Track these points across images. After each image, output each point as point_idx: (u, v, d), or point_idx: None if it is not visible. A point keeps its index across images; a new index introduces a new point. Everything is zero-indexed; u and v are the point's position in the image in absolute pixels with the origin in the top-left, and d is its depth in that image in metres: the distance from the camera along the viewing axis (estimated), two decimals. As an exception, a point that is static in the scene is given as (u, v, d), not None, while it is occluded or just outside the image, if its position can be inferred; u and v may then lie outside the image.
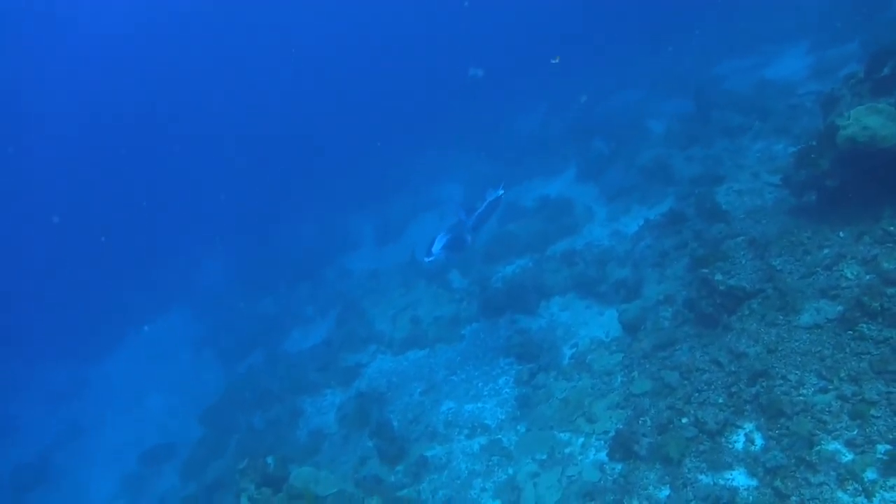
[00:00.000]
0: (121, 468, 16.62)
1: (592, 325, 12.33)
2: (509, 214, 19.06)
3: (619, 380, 9.89)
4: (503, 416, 11.02)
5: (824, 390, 6.61)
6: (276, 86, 44.83)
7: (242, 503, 8.85)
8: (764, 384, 7.17)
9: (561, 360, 11.68)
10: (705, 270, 9.21)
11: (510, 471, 9.60)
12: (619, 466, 8.21)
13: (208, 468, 13.86)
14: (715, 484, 6.79)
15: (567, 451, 9.24)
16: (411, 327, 14.95)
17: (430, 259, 11.32)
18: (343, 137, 36.13)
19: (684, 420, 7.68)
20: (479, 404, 11.65)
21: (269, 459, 9.59)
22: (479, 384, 12.28)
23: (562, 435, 9.64)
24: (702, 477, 6.97)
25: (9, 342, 28.71)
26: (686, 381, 8.25)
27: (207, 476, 13.56)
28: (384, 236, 22.97)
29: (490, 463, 10.02)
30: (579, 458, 8.94)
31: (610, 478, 8.13)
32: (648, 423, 8.27)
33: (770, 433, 6.75)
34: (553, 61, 18.88)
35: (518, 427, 10.52)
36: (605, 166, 18.37)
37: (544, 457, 9.41)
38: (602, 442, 8.92)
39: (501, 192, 12.60)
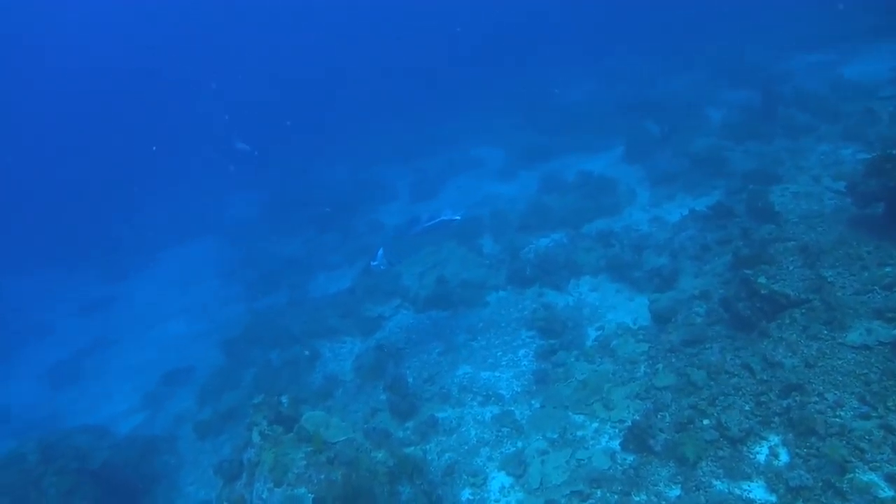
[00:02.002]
0: (142, 384, 16.98)
1: (621, 309, 12.09)
2: (549, 186, 18.73)
3: (643, 370, 9.69)
4: (518, 389, 10.92)
5: (866, 416, 6.34)
6: (319, 35, 44.53)
7: (254, 437, 8.91)
8: (797, 399, 6.94)
9: (584, 341, 11.49)
10: (748, 271, 8.91)
11: (519, 444, 9.52)
12: (630, 458, 8.07)
13: (224, 397, 14.03)
14: (730, 492, 6.63)
15: (579, 433, 9.12)
16: (436, 286, 14.81)
17: (375, 264, 12.33)
18: (389, 90, 35.78)
19: (706, 422, 7.50)
20: (496, 373, 11.55)
21: (284, 399, 9.64)
22: (498, 353, 12.17)
23: (576, 417, 9.51)
24: (717, 483, 6.80)
25: (45, 253, 29.53)
26: (713, 382, 8.04)
27: (222, 404, 13.74)
28: (419, 192, 22.72)
29: (500, 434, 9.95)
30: (591, 442, 8.82)
31: (620, 468, 8.01)
32: (667, 418, 8.10)
33: (797, 451, 6.55)
34: None
35: (532, 402, 10.42)
36: (654, 149, 17.86)
37: (555, 436, 9.30)
38: (616, 430, 8.78)
39: (458, 217, 13.16)
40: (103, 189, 34.70)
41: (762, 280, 8.55)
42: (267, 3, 46.51)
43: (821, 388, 6.84)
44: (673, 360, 9.27)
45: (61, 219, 32.51)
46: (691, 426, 7.60)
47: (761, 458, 6.80)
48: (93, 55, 44.95)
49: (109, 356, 19.95)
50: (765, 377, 7.51)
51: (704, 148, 15.49)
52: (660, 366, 9.38)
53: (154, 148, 31.29)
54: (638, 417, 8.55)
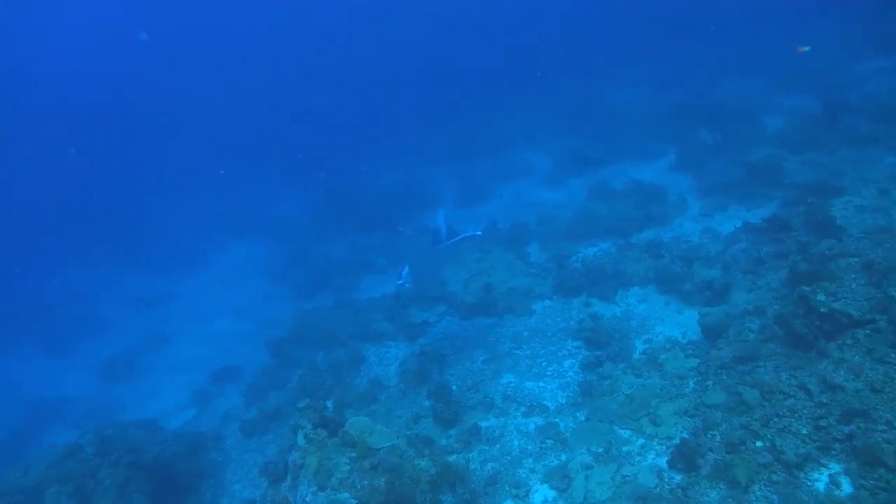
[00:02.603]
0: (192, 381, 17.37)
1: (669, 322, 11.86)
2: (597, 193, 18.50)
3: (692, 386, 9.46)
4: (563, 401, 10.78)
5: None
6: (371, 38, 44.94)
7: (299, 440, 9.00)
8: (861, 425, 6.64)
9: (631, 354, 11.30)
10: (806, 288, 8.61)
11: (563, 457, 9.39)
12: (678, 477, 7.87)
13: (269, 397, 14.23)
14: (785, 520, 6.40)
15: (625, 449, 8.94)
16: (482, 294, 14.76)
17: (400, 283, 12.70)
18: (435, 94, 35.91)
19: (759, 444, 7.26)
20: (541, 383, 11.44)
21: (329, 403, 9.70)
22: (543, 363, 12.05)
23: (622, 432, 9.34)
24: (771, 509, 6.58)
25: (103, 248, 30.56)
26: (766, 403, 7.79)
27: (268, 404, 13.93)
28: (465, 197, 22.71)
29: (543, 445, 9.84)
30: (637, 459, 8.64)
31: (667, 486, 7.82)
32: (717, 438, 7.88)
33: (862, 482, 6.26)
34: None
35: (577, 414, 10.27)
36: (706, 157, 17.51)
37: (600, 450, 9.14)
38: (664, 447, 8.58)
39: (480, 232, 13.05)
40: (159, 187, 35.66)
41: (821, 297, 8.25)
42: (317, 6, 47.16)
43: (889, 415, 6.51)
44: (724, 377, 9.01)
45: (119, 216, 33.55)
46: (743, 447, 7.37)
47: (820, 486, 6.54)
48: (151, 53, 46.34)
49: (161, 353, 20.48)
50: (824, 400, 7.23)
51: (760, 157, 15.09)
52: (710, 382, 9.13)
53: (222, 172, 31.95)
54: (686, 435, 8.35)
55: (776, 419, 7.42)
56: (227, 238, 28.12)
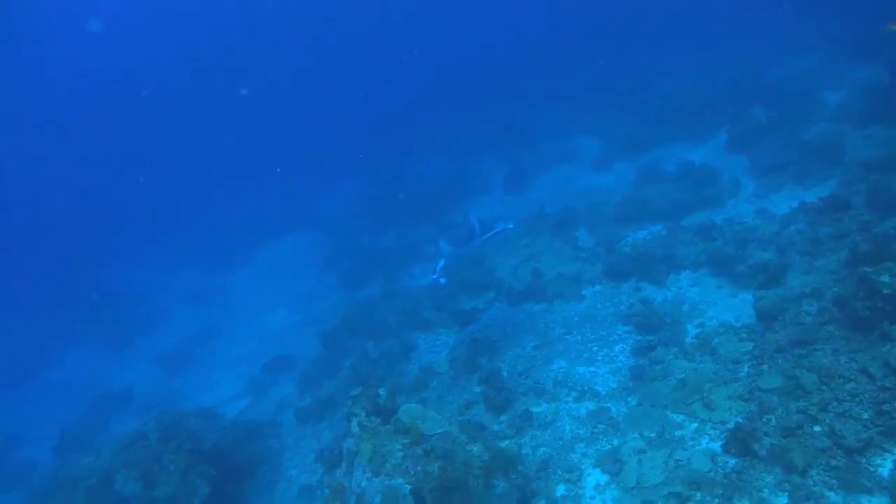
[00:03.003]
0: (246, 371, 17.92)
1: (722, 306, 11.66)
2: (647, 176, 18.22)
3: (746, 370, 9.29)
4: (615, 385, 10.74)
5: None
6: (419, 24, 44.87)
7: (353, 427, 9.22)
8: (927, 410, 6.45)
9: (684, 338, 11.16)
10: (868, 269, 8.36)
11: (615, 442, 9.38)
12: (732, 461, 7.78)
13: (323, 385, 14.60)
14: (846, 505, 6.28)
15: (678, 433, 8.87)
16: (531, 280, 14.76)
17: (434, 277, 12.50)
18: (483, 81, 35.76)
19: (817, 428, 7.12)
20: (592, 368, 11.41)
21: (381, 391, 9.89)
22: (594, 348, 12.01)
23: (675, 416, 9.26)
24: (830, 494, 6.45)
25: (158, 245, 31.65)
26: (825, 387, 7.61)
27: (322, 392, 14.29)
28: (513, 184, 22.64)
29: (595, 430, 9.83)
30: (690, 443, 8.55)
31: (721, 471, 7.72)
32: (773, 422, 7.75)
33: (929, 468, 6.10)
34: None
35: (629, 399, 10.23)
36: (761, 137, 17.01)
37: (653, 435, 9.09)
38: (717, 432, 8.47)
39: (511, 225, 13.18)
40: (211, 182, 36.58)
41: (885, 279, 7.99)
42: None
43: (955, 399, 6.34)
44: (780, 360, 8.84)
45: (174, 214, 34.63)
46: (800, 432, 7.23)
47: (884, 472, 6.37)
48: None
49: (215, 344, 21.17)
50: (887, 384, 7.02)
51: (818, 134, 14.62)
52: (765, 366, 8.97)
53: (278, 170, 32.61)
54: (741, 420, 8.23)
55: (835, 403, 7.25)
56: (277, 231, 28.75)
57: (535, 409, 10.79)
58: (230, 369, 18.89)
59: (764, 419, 7.85)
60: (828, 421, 7.08)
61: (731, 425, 8.19)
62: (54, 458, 17.73)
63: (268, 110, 43.27)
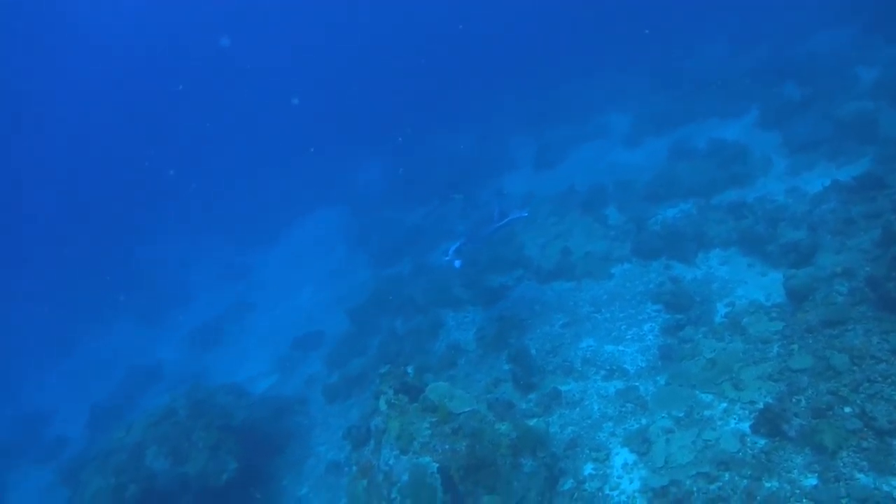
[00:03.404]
0: (275, 348, 18.24)
1: (752, 285, 11.55)
2: (678, 153, 17.98)
3: (776, 350, 9.24)
4: (643, 364, 10.76)
5: None
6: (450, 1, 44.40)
7: (381, 405, 9.38)
8: (959, 391, 6.38)
9: (713, 317, 11.11)
10: (902, 249, 8.22)
11: (643, 421, 9.41)
12: (761, 442, 7.77)
13: (351, 363, 14.81)
14: (876, 487, 6.24)
15: (707, 413, 8.87)
16: (560, 258, 14.76)
17: (447, 259, 12.52)
18: (514, 58, 35.42)
19: (847, 409, 7.08)
20: (621, 347, 11.43)
21: (409, 369, 10.04)
22: (623, 326, 12.01)
23: (704, 396, 9.25)
24: (860, 476, 6.43)
25: (191, 222, 32.17)
26: (856, 368, 7.55)
27: (350, 369, 14.50)
28: (543, 161, 22.51)
29: (623, 409, 9.88)
30: (719, 423, 8.56)
31: (750, 451, 7.73)
32: (803, 403, 7.72)
33: (960, 450, 6.04)
34: None
35: (657, 378, 10.24)
36: (793, 114, 16.66)
37: (681, 415, 9.11)
38: (747, 412, 8.46)
39: (525, 213, 13.28)
40: (246, 162, 36.91)
41: (919, 258, 7.87)
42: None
43: None
44: (810, 341, 8.77)
45: (208, 190, 35.09)
46: (830, 413, 7.20)
47: (915, 454, 6.35)
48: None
49: (246, 321, 21.54)
50: (919, 365, 6.97)
51: (852, 111, 14.24)
52: (795, 346, 8.90)
53: (312, 150, 32.77)
54: (770, 400, 8.20)
55: (867, 384, 7.20)
56: (308, 209, 28.98)
57: (563, 388, 10.87)
58: (260, 346, 19.24)
59: (794, 400, 7.82)
60: (859, 402, 7.04)
61: (761, 405, 8.17)
62: (86, 433, 18.26)
63: (301, 91, 43.40)
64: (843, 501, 6.28)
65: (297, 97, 38.46)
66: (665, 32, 29.22)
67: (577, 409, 10.33)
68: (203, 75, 47.08)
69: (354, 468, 9.44)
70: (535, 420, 10.11)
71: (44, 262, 34.56)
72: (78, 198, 40.16)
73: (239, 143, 40.21)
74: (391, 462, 8.65)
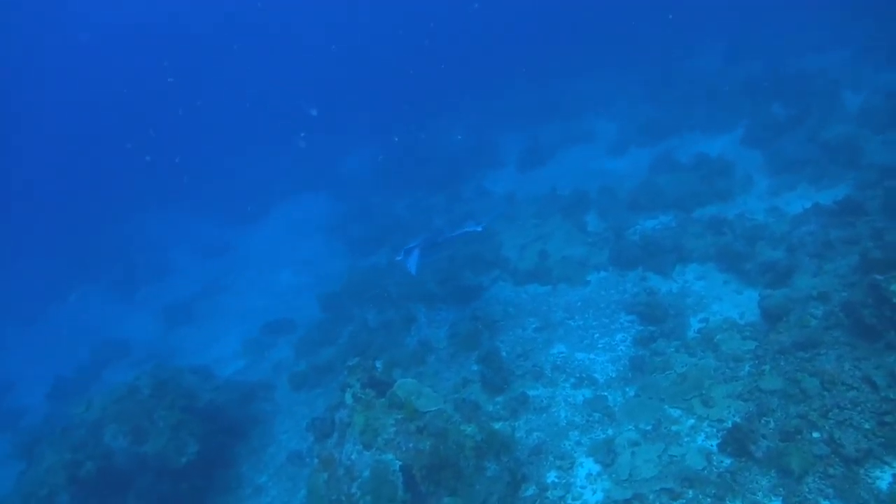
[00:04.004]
0: (246, 331, 17.93)
1: (727, 302, 11.55)
2: (662, 165, 17.98)
3: (747, 369, 9.21)
4: (613, 374, 10.69)
5: None
6: None
7: (347, 398, 9.18)
8: (931, 425, 6.36)
9: (686, 332, 11.08)
10: (879, 276, 8.21)
11: (609, 432, 9.33)
12: (727, 461, 7.74)
13: (320, 351, 14.57)
14: (840, 515, 6.22)
15: (674, 428, 8.82)
16: (538, 261, 14.67)
17: (399, 259, 12.66)
18: (510, 54, 35.32)
19: (816, 434, 7.05)
20: (591, 355, 11.35)
21: (378, 363, 9.84)
22: (595, 335, 11.94)
23: (672, 410, 9.20)
24: (825, 502, 6.40)
25: (171, 198, 31.65)
26: (826, 393, 7.53)
27: (318, 358, 14.25)
28: (528, 161, 22.40)
29: (591, 419, 9.79)
30: (686, 439, 8.51)
31: (716, 470, 7.69)
32: (772, 424, 7.69)
33: (928, 483, 6.02)
34: None
35: (626, 389, 10.17)
36: (778, 133, 16.74)
37: (648, 428, 9.05)
38: (714, 430, 8.42)
39: (480, 228, 13.04)
40: (228, 140, 36.36)
41: (895, 288, 7.86)
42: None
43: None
44: (782, 362, 8.75)
45: (189, 165, 34.49)
46: (799, 437, 7.16)
47: (882, 484, 6.30)
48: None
49: (219, 301, 21.16)
50: (891, 395, 6.93)
51: (837, 135, 14.33)
52: (767, 367, 8.87)
53: (302, 134, 32.29)
54: (739, 419, 8.17)
55: (836, 411, 7.17)
56: (292, 193, 28.61)
57: (531, 393, 10.76)
58: (231, 327, 18.91)
59: (762, 421, 7.79)
60: (828, 428, 7.01)
61: (729, 424, 8.14)
62: (46, 404, 17.81)
63: (294, 76, 42.99)
64: (806, 527, 6.25)
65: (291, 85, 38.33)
66: (661, 39, 29.27)
67: (545, 415, 10.23)
68: (195, 57, 46.37)
69: (316, 460, 9.24)
70: (501, 423, 10.03)
71: (17, 224, 33.82)
72: (58, 166, 39.26)
73: (227, 123, 39.52)
74: (353, 457, 8.48)
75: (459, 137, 26.26)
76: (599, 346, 11.58)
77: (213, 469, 12.02)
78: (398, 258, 12.68)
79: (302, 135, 31.22)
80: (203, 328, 19.69)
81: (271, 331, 17.24)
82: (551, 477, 8.83)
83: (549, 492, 8.58)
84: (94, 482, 11.12)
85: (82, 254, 28.62)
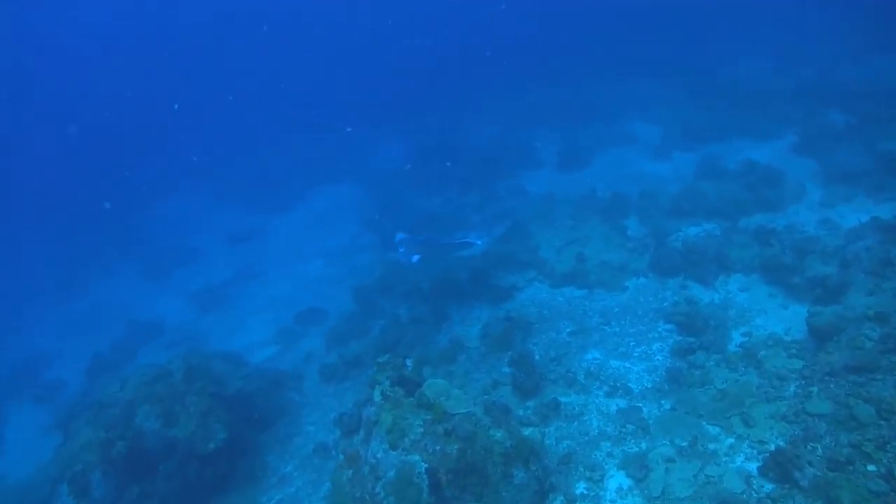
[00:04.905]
0: (278, 318, 17.88)
1: (772, 316, 11.12)
2: (707, 170, 17.43)
3: (793, 389, 8.81)
4: (649, 385, 10.34)
5: None
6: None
7: (375, 395, 9.00)
8: None
9: (727, 345, 10.69)
10: (944, 301, 7.73)
11: (643, 445, 9.01)
12: (769, 487, 7.37)
13: (351, 344, 14.38)
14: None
15: (712, 447, 8.47)
16: (575, 263, 14.32)
17: (402, 251, 13.36)
18: (548, 51, 34.81)
19: (871, 468, 6.64)
20: (627, 364, 11.01)
21: (408, 361, 9.65)
22: (632, 342, 11.59)
23: (710, 427, 8.84)
24: (879, 544, 6.02)
25: (204, 181, 31.91)
26: (883, 422, 7.10)
27: (348, 351, 14.07)
28: (567, 161, 21.91)
29: (624, 430, 9.47)
30: (724, 459, 8.16)
31: (755, 495, 7.34)
32: (819, 451, 7.30)
33: None
34: None
35: (662, 402, 9.83)
36: (834, 141, 16.12)
37: (684, 444, 8.71)
38: (755, 451, 8.06)
39: (480, 242, 13.38)
40: (263, 129, 36.50)
41: (961, 314, 7.39)
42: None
43: None
44: (832, 385, 8.31)
45: (224, 152, 34.75)
46: (850, 468, 6.76)
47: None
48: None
49: (252, 287, 21.17)
50: (957, 430, 6.50)
51: (898, 146, 13.71)
52: (814, 389, 8.45)
53: (349, 129, 32.36)
54: (783, 442, 7.78)
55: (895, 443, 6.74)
56: (325, 182, 28.53)
57: (563, 399, 10.45)
58: (262, 314, 18.88)
59: (809, 446, 7.38)
60: (885, 462, 6.59)
61: (772, 447, 7.78)
62: (85, 380, 18.07)
63: (331, 68, 43.05)
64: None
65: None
66: (704, 43, 28.52)
67: (576, 423, 9.93)
68: (232, 43, 46.79)
69: (342, 456, 9.10)
70: (530, 429, 9.73)
71: (57, 203, 34.41)
72: (97, 145, 39.89)
73: (262, 110, 39.69)
74: (379, 455, 8.30)
75: (486, 137, 25.89)
76: (635, 354, 11.23)
77: (239, 457, 11.99)
78: (401, 250, 12.50)
79: (349, 129, 31.05)
80: (235, 313, 19.72)
81: (303, 320, 17.15)
82: (580, 488, 8.56)
83: (578, 503, 8.30)
84: (125, 461, 11.15)
85: (118, 234, 28.97)
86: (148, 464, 11.34)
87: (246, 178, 31.34)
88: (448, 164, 23.10)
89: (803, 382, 8.78)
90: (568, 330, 12.47)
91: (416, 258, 12.13)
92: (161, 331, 20.09)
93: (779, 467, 7.34)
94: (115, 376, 14.16)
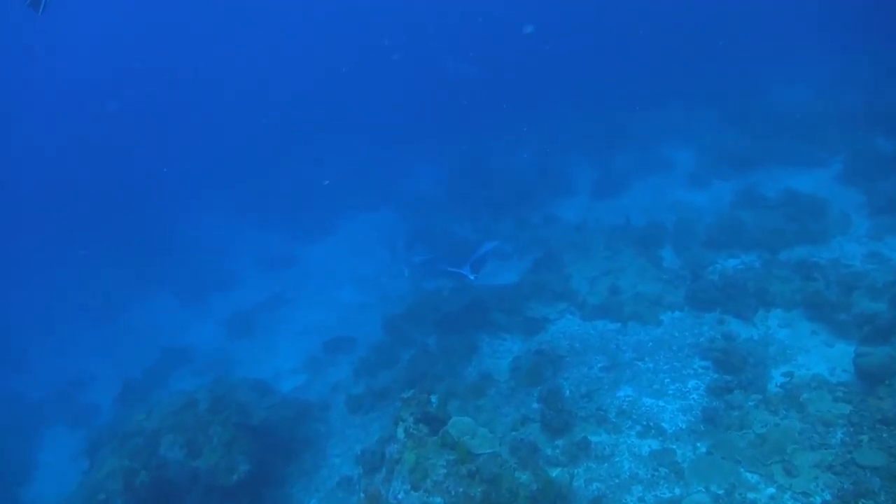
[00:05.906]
0: (307, 346, 17.81)
1: (816, 355, 10.59)
2: (746, 199, 16.89)
3: (840, 437, 8.30)
4: (683, 426, 9.89)
5: None
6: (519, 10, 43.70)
7: (399, 433, 8.77)
8: None
9: (767, 385, 10.19)
10: None
11: (677, 491, 8.59)
12: (815, 544, 6.90)
13: (379, 374, 14.20)
14: None
15: (750, 496, 8.01)
16: (608, 296, 13.95)
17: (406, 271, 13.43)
18: (581, 75, 34.60)
19: (929, 530, 6.15)
20: (661, 402, 10.57)
21: (433, 398, 9.39)
22: (666, 379, 11.15)
23: (749, 475, 8.37)
24: None
25: (239, 206, 32.26)
26: (942, 478, 6.60)
27: (377, 382, 13.89)
28: (601, 190, 21.54)
29: (656, 473, 9.05)
30: (764, 511, 7.69)
31: (800, 552, 6.87)
32: (870, 508, 6.80)
33: None
34: None
35: (698, 444, 9.38)
36: (883, 170, 15.48)
37: (721, 492, 8.26)
38: None
39: (472, 278, 13.58)
40: (301, 157, 36.84)
41: None
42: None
43: None
44: (885, 434, 7.80)
45: (259, 176, 35.13)
46: (907, 529, 6.29)
47: None
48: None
49: (282, 314, 21.15)
50: None
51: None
52: (865, 437, 7.95)
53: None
54: (829, 496, 7.30)
55: (956, 502, 6.26)
56: (359, 208, 28.56)
57: (594, 438, 10.07)
58: (292, 341, 18.85)
59: (860, 502, 6.88)
60: (943, 524, 6.11)
61: (818, 501, 7.28)
62: (115, 406, 18.19)
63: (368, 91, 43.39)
64: None
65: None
66: (742, 67, 27.91)
67: (606, 464, 9.53)
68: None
69: (362, 495, 8.87)
70: (559, 470, 9.41)
71: (102, 225, 35.09)
72: (131, 166, 40.75)
73: (298, 136, 40.15)
74: (400, 496, 8.03)
75: (518, 163, 25.65)
76: (670, 392, 10.79)
77: (263, 487, 11.84)
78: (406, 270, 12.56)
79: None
80: (264, 340, 19.71)
81: (332, 349, 17.03)
82: (610, 536, 8.16)
83: (607, 553, 7.91)
84: (148, 491, 11.11)
85: (152, 256, 29.32)
86: (171, 495, 11.27)
87: (279, 203, 31.50)
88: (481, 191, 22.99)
89: (852, 430, 8.27)
90: (600, 365, 12.09)
91: (407, 272, 12.22)
92: (192, 356, 20.18)
93: (824, 523, 6.87)
94: (143, 404, 14.20)
